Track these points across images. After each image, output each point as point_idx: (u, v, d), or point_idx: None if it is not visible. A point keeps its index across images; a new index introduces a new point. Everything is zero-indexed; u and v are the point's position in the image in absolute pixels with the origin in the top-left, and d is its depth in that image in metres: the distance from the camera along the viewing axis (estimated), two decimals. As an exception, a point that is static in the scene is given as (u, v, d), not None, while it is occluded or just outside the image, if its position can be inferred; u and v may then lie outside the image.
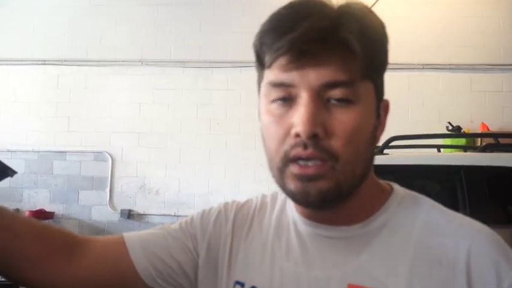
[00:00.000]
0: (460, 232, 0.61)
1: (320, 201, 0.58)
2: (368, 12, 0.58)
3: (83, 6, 5.25)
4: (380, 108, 0.62)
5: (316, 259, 0.64)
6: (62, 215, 5.05)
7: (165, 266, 0.69)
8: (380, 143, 3.26)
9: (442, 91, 4.81)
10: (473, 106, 4.76)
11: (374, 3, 4.87)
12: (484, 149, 3.15)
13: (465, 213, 2.62)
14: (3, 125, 5.18)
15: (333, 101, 0.56)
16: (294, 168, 0.57)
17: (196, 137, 4.94)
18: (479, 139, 4.28)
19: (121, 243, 0.70)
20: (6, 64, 5.23)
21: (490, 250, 0.59)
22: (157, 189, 4.98)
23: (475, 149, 3.60)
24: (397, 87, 4.83)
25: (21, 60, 5.21)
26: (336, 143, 0.56)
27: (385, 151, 3.27)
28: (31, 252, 0.65)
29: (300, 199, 0.59)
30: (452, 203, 3.03)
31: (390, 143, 3.25)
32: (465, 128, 4.59)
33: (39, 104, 5.18)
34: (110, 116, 5.08)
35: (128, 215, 4.94)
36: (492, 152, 3.17)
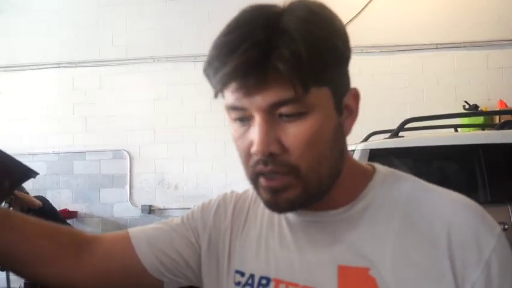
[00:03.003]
0: (441, 206, 0.62)
1: (290, 208, 0.62)
2: (310, 16, 0.57)
3: (92, 7, 5.30)
4: (343, 102, 0.62)
5: (307, 244, 0.66)
6: (85, 213, 5.16)
7: (170, 260, 0.72)
8: (395, 126, 3.24)
9: (457, 70, 4.73)
10: (489, 83, 4.67)
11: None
12: (502, 126, 3.10)
13: (484, 192, 2.61)
14: (23, 129, 5.29)
15: (284, 117, 0.58)
16: (262, 181, 0.61)
17: (211, 130, 4.97)
18: (497, 117, 4.20)
19: (127, 239, 0.73)
20: (23, 69, 5.33)
21: (469, 221, 0.60)
22: (175, 184, 5.04)
23: (493, 126, 3.55)
24: (411, 69, 4.77)
25: (37, 65, 5.31)
26: (293, 157, 0.58)
27: (401, 133, 3.24)
28: (41, 252, 0.68)
29: (272, 208, 0.62)
30: (471, 182, 3.01)
31: (405, 125, 3.22)
32: (482, 106, 4.51)
33: (57, 107, 5.27)
34: (125, 114, 5.15)
35: (149, 210, 5.02)
36: (511, 129, 3.11)
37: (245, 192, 0.79)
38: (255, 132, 0.58)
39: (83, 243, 0.71)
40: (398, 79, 4.74)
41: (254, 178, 0.62)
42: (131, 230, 0.75)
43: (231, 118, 0.62)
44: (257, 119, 0.58)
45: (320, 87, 0.58)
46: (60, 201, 5.08)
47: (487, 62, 4.71)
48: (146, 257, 0.71)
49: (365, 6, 4.76)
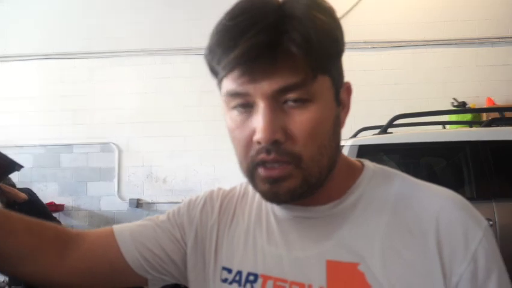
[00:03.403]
0: (429, 201, 0.63)
1: (289, 199, 0.60)
2: (313, 7, 0.57)
3: (82, -2, 5.23)
4: (341, 93, 0.63)
5: (296, 240, 0.66)
6: (72, 207, 5.12)
7: (154, 256, 0.71)
8: (384, 122, 3.26)
9: (447, 67, 4.77)
10: (478, 81, 4.71)
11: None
12: (490, 123, 3.13)
13: (470, 188, 2.64)
14: (10, 121, 5.22)
15: (290, 103, 0.57)
16: (261, 171, 0.59)
17: (200, 124, 4.95)
18: (484, 114, 4.25)
19: (111, 235, 0.72)
20: (11, 60, 5.26)
21: (457, 214, 0.61)
22: (164, 178, 5.02)
23: (480, 124, 3.58)
24: (402, 65, 4.80)
25: (25, 56, 5.23)
26: (297, 145, 0.57)
27: (390, 130, 3.26)
28: (25, 248, 0.67)
29: (271, 199, 0.61)
30: (457, 179, 3.03)
31: (394, 121, 3.23)
32: (471, 104, 4.56)
33: (44, 99, 5.21)
34: (114, 107, 5.10)
35: (137, 204, 4.99)
36: (498, 126, 3.15)
37: (232, 189, 0.79)
38: (258, 120, 0.57)
39: (67, 240, 0.70)
40: (388, 75, 4.76)
41: (251, 169, 0.60)
42: (116, 227, 0.74)
43: (229, 106, 0.61)
44: (261, 105, 0.57)
45: (324, 75, 0.58)
46: (46, 194, 5.03)
47: (476, 59, 4.75)
48: (130, 253, 0.71)
49: (358, 2, 4.76)
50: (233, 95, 0.59)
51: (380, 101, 4.66)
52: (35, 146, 5.16)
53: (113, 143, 5.10)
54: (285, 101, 0.57)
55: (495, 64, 4.72)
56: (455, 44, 4.75)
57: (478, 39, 4.73)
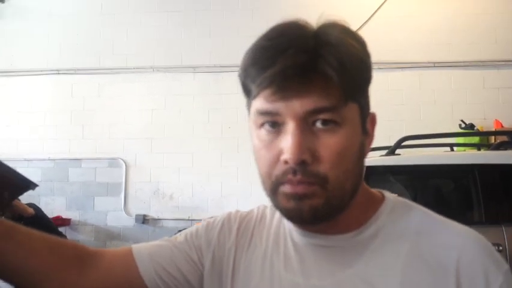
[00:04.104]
0: (451, 239, 0.62)
1: (312, 218, 0.60)
2: (347, 36, 0.59)
3: (94, 15, 5.33)
4: (367, 123, 0.64)
5: (313, 268, 0.66)
6: (79, 221, 5.13)
7: (171, 277, 0.71)
8: (392, 143, 3.27)
9: (454, 89, 4.78)
10: (486, 103, 4.71)
11: (382, 4, 4.87)
12: (498, 146, 3.12)
13: (479, 212, 2.62)
14: (19, 134, 5.27)
15: (318, 125, 0.58)
16: (285, 188, 0.60)
17: (208, 141, 4.98)
18: (493, 137, 4.24)
19: (129, 255, 0.73)
20: (22, 75, 5.34)
21: (479, 256, 0.61)
22: (170, 194, 5.03)
23: (488, 146, 3.57)
24: (409, 86, 4.81)
25: (36, 71, 5.31)
26: (324, 167, 0.58)
27: (397, 151, 3.26)
28: (46, 268, 0.68)
29: (293, 217, 0.62)
30: (466, 202, 3.02)
31: (402, 143, 3.23)
32: (478, 126, 4.55)
33: (54, 113, 5.26)
34: (123, 122, 5.15)
35: (143, 220, 4.99)
36: (506, 149, 3.14)
37: (250, 212, 0.79)
38: (287, 139, 0.58)
39: (86, 258, 0.71)
40: (395, 96, 4.78)
41: (274, 188, 0.61)
42: (135, 246, 0.75)
43: (257, 125, 0.62)
44: (291, 125, 0.58)
45: (354, 102, 0.60)
46: (53, 208, 5.05)
47: (483, 81, 4.76)
48: (147, 273, 0.71)
49: (364, 23, 4.81)
50: (263, 113, 0.60)
51: (387, 121, 4.66)
52: (44, 159, 5.20)
53: (121, 159, 5.13)
54: (314, 123, 0.58)
55: (502, 87, 4.72)
56: (462, 66, 4.77)
57: (484, 61, 4.74)
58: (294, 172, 0.58)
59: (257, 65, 0.58)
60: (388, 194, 0.70)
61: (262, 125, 0.61)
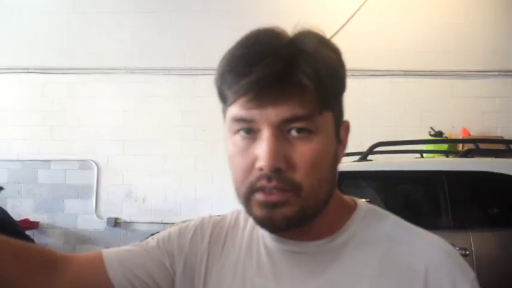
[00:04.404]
0: (420, 248, 0.64)
1: (284, 226, 0.61)
2: (322, 45, 0.61)
3: (67, 14, 5.23)
4: (341, 131, 0.66)
5: (285, 274, 0.66)
6: (48, 224, 5.00)
7: (142, 283, 0.70)
8: (364, 149, 3.32)
9: (424, 97, 4.90)
10: (454, 111, 4.85)
11: (355, 12, 4.95)
12: (465, 154, 3.22)
13: (447, 217, 2.68)
14: (-14, 134, 5.12)
15: (293, 133, 0.59)
16: (259, 196, 0.60)
17: (181, 144, 4.94)
18: (461, 144, 4.37)
19: (99, 260, 0.71)
20: (-11, 72, 5.19)
21: (446, 264, 0.62)
22: (143, 197, 4.97)
23: (456, 153, 3.68)
24: (380, 93, 4.91)
25: (5, 69, 5.17)
26: (299, 175, 0.59)
27: (369, 157, 3.32)
28: (12, 275, 0.66)
29: (266, 225, 0.62)
30: (434, 207, 3.09)
31: (374, 148, 3.30)
32: (447, 133, 4.68)
33: (24, 113, 5.13)
34: (95, 124, 5.06)
35: (115, 223, 4.91)
36: (473, 157, 3.24)
37: (223, 217, 0.78)
38: (262, 147, 0.58)
39: (53, 263, 0.70)
40: (367, 103, 4.86)
41: (248, 195, 0.61)
42: (105, 252, 0.73)
43: (232, 131, 0.62)
44: (266, 133, 0.58)
45: (328, 111, 0.61)
46: (21, 210, 4.92)
47: (451, 90, 4.90)
48: (118, 279, 0.70)
49: (338, 31, 4.88)
50: (239, 120, 0.60)
51: (359, 127, 4.74)
52: (11, 160, 5.06)
53: (93, 160, 5.04)
54: (289, 131, 0.59)
55: (470, 96, 4.87)
56: (431, 75, 4.90)
57: (452, 71, 4.88)
58: (269, 178, 0.58)
59: (234, 72, 0.58)
60: (360, 202, 0.71)
61: (237, 131, 0.61)
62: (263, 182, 0.59)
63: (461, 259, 0.65)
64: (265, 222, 0.61)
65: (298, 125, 0.58)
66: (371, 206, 0.71)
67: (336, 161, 0.65)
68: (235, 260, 0.71)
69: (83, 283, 0.70)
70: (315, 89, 0.57)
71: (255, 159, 0.59)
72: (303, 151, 0.58)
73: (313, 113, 0.58)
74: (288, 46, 0.58)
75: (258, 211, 0.61)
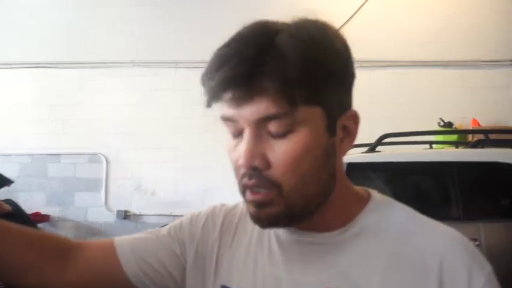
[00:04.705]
0: (435, 239, 0.63)
1: (271, 225, 0.62)
2: (309, 34, 0.59)
3: (75, 9, 5.24)
4: (338, 122, 0.63)
5: (296, 264, 0.66)
6: (58, 217, 5.06)
7: (154, 271, 0.72)
8: (373, 140, 3.31)
9: (433, 87, 4.85)
10: (464, 102, 4.80)
11: (364, 3, 4.91)
12: (475, 145, 3.20)
13: (457, 208, 2.67)
14: (-3, 128, 5.17)
15: (271, 132, 0.59)
16: (247, 194, 0.62)
17: (191, 137, 4.96)
18: (470, 135, 4.32)
19: (112, 248, 0.73)
20: (0, 68, 5.22)
21: (462, 257, 0.61)
22: (152, 190, 5.00)
23: (466, 144, 3.65)
24: (389, 84, 4.87)
25: (15, 64, 5.20)
26: (276, 174, 0.59)
27: (378, 148, 3.30)
28: (26, 262, 0.68)
29: (255, 222, 0.63)
30: (444, 199, 3.08)
31: (382, 140, 3.28)
32: (457, 124, 4.64)
33: (33, 107, 5.17)
34: (103, 117, 5.09)
35: (124, 215, 4.95)
36: (483, 147, 3.21)
37: (235, 206, 0.78)
38: (242, 145, 0.59)
39: (67, 251, 0.71)
40: (376, 94, 4.83)
41: (242, 191, 0.63)
42: (117, 239, 0.75)
43: (227, 129, 0.63)
44: (246, 131, 0.59)
45: (310, 106, 0.59)
46: (32, 204, 4.97)
47: (461, 81, 4.84)
48: (130, 267, 0.71)
49: (346, 22, 4.85)
50: (224, 119, 0.61)
51: (368, 119, 4.68)
52: (22, 155, 5.11)
53: (102, 154, 5.07)
54: (269, 129, 0.59)
55: (480, 86, 4.82)
56: (441, 65, 4.84)
57: (463, 61, 4.83)
58: (250, 176, 0.60)
59: (209, 74, 0.59)
60: (374, 193, 0.70)
61: (228, 132, 0.63)
62: (245, 180, 0.61)
63: (477, 251, 0.63)
64: (254, 220, 0.63)
65: (273, 126, 0.58)
66: (385, 197, 0.70)
67: (331, 154, 0.63)
68: (246, 249, 0.71)
69: (96, 271, 0.72)
70: (278, 88, 0.56)
71: (239, 157, 0.60)
72: (281, 150, 0.59)
73: (287, 111, 0.57)
74: (260, 45, 0.57)
75: (250, 208, 0.62)
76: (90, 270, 0.71)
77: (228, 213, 0.77)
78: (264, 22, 0.61)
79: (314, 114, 0.60)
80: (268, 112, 0.57)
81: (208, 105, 0.61)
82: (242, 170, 0.61)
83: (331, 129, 0.62)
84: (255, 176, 0.59)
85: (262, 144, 0.59)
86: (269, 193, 0.60)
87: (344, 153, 0.65)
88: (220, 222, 0.75)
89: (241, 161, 0.59)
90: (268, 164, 0.59)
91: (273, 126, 0.58)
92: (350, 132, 0.65)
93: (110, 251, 0.72)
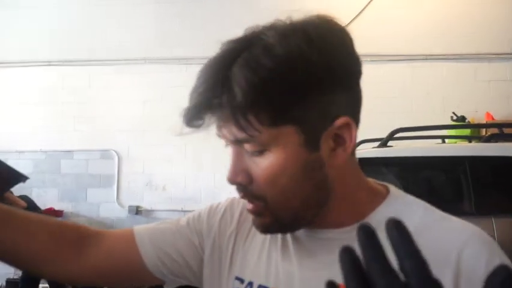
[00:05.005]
0: (453, 234, 0.61)
1: (266, 232, 0.67)
2: (281, 55, 0.56)
3: (85, 5, 5.27)
4: (320, 138, 0.61)
5: (308, 259, 0.66)
6: (71, 213, 5.12)
7: (172, 261, 0.73)
8: (384, 135, 3.28)
9: (446, 81, 4.80)
10: (477, 96, 4.74)
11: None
12: (489, 139, 3.15)
13: (469, 203, 2.64)
14: (11, 126, 5.23)
15: (249, 153, 0.61)
16: (246, 203, 0.66)
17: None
18: (484, 129, 4.27)
19: (131, 237, 0.75)
20: (13, 66, 5.28)
21: (480, 250, 0.59)
22: (163, 185, 5.03)
23: (479, 139, 3.60)
24: (401, 79, 4.83)
25: (27, 62, 5.26)
26: (258, 188, 0.62)
27: (389, 143, 3.28)
28: (45, 251, 0.70)
29: (255, 228, 0.67)
30: (456, 194, 3.05)
31: (394, 135, 3.25)
32: (470, 118, 4.58)
33: (46, 105, 5.22)
34: (115, 114, 5.12)
35: (136, 211, 4.99)
36: (497, 142, 3.17)
37: None
38: (230, 161, 0.63)
39: (87, 239, 0.73)
40: (387, 88, 4.79)
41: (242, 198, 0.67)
42: (136, 228, 0.76)
43: None
44: (230, 148, 0.63)
45: (278, 127, 0.58)
46: (46, 200, 5.04)
47: (475, 74, 4.78)
48: (149, 257, 0.73)
49: (356, 16, 4.81)
50: (218, 136, 0.64)
51: (380, 114, 4.68)
52: (35, 151, 5.17)
53: (114, 150, 5.11)
54: None
55: (493, 79, 4.75)
56: (454, 58, 4.79)
57: (476, 54, 4.76)
58: (238, 190, 0.64)
59: (189, 95, 0.61)
60: (393, 189, 0.69)
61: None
62: (238, 192, 0.65)
63: (495, 245, 0.61)
64: (254, 226, 0.67)
65: (247, 147, 0.60)
66: (403, 192, 0.69)
67: (315, 167, 0.61)
68: (261, 242, 0.72)
69: (115, 259, 0.74)
70: (237, 116, 0.57)
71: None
72: (259, 167, 0.61)
73: (252, 135, 0.58)
74: (218, 75, 0.58)
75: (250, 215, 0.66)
76: (109, 259, 0.73)
77: (246, 206, 0.78)
78: (235, 44, 0.60)
79: (284, 133, 0.59)
80: (237, 136, 0.59)
81: (190, 125, 0.63)
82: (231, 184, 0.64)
83: (311, 144, 0.60)
84: (242, 190, 0.63)
85: (245, 160, 0.62)
86: (257, 205, 0.63)
87: (340, 161, 0.63)
88: (238, 215, 0.76)
89: (227, 175, 0.63)
90: (251, 179, 0.62)
91: (247, 147, 0.60)
92: (344, 140, 0.62)
93: (129, 240, 0.74)
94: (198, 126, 0.61)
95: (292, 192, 0.62)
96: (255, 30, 0.61)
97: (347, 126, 0.62)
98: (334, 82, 0.59)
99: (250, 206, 0.64)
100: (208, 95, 0.58)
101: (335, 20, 0.62)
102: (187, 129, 0.63)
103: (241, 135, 0.59)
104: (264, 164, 0.60)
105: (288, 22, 0.60)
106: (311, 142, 0.60)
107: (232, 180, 0.62)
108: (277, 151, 0.60)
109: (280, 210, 0.62)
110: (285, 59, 0.56)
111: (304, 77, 0.57)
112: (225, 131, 0.61)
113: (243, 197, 0.64)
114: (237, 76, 0.56)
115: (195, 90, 0.60)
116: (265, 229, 0.65)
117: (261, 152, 0.60)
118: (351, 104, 0.63)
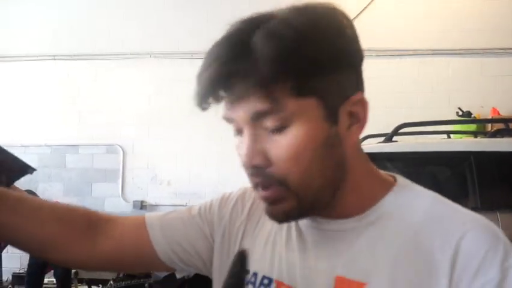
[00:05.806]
0: (458, 222, 0.60)
1: (285, 220, 0.63)
2: (298, 27, 0.56)
3: (91, 0, 5.28)
4: (341, 110, 0.60)
5: (311, 250, 0.66)
6: (76, 207, 5.14)
7: (183, 250, 0.74)
8: (389, 130, 3.27)
9: (452, 76, 4.77)
10: (483, 91, 4.72)
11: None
12: (495, 134, 3.14)
13: (475, 198, 2.63)
14: (16, 120, 5.26)
15: (267, 127, 0.58)
16: (259, 192, 0.61)
17: (205, 128, 4.97)
18: (489, 124, 4.25)
19: (142, 225, 0.75)
20: (17, 60, 5.30)
21: (481, 237, 0.58)
22: (168, 180, 5.04)
23: (485, 134, 3.59)
24: (407, 74, 4.81)
25: (32, 56, 5.27)
26: (278, 170, 0.58)
27: (395, 138, 3.27)
28: (55, 238, 0.71)
29: (270, 218, 0.63)
30: (462, 189, 3.04)
31: (399, 130, 3.24)
32: (475, 113, 4.56)
33: (51, 99, 5.24)
34: (120, 108, 5.13)
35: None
36: (502, 137, 3.15)
37: None
38: (242, 145, 0.59)
39: (98, 226, 0.74)
40: (393, 83, 4.77)
41: (255, 188, 0.62)
42: (148, 216, 0.76)
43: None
44: (244, 130, 0.59)
45: (301, 98, 0.57)
46: (51, 194, 5.07)
47: (481, 69, 4.75)
48: (160, 245, 0.73)
49: (362, 11, 4.78)
50: (225, 119, 0.61)
51: (385, 108, 4.66)
52: (40, 146, 5.19)
53: (118, 145, 5.13)
54: (265, 126, 0.58)
55: (499, 75, 4.72)
56: (460, 53, 4.76)
57: (483, 49, 4.73)
58: (255, 175, 0.60)
59: (198, 74, 0.59)
60: (401, 179, 0.68)
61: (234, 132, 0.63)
62: (252, 178, 0.61)
63: (501, 235, 0.59)
64: (269, 216, 0.63)
65: (268, 122, 0.57)
66: (411, 184, 0.68)
67: (336, 143, 0.61)
68: (268, 233, 0.72)
69: (126, 246, 0.74)
70: (261, 86, 0.55)
71: (241, 156, 0.61)
72: (280, 145, 0.58)
73: (275, 106, 0.56)
74: (235, 47, 0.57)
75: (263, 204, 0.63)
76: (120, 246, 0.73)
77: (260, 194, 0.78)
78: (249, 19, 0.60)
79: (308, 105, 0.58)
80: (257, 109, 0.56)
81: (202, 108, 0.60)
82: (247, 169, 0.61)
83: (331, 118, 0.60)
84: (260, 173, 0.59)
85: (262, 141, 0.58)
86: (278, 189, 0.59)
87: (354, 140, 0.63)
88: (249, 206, 0.76)
89: (242, 160, 0.59)
90: (269, 161, 0.58)
91: (268, 122, 0.57)
92: (358, 117, 0.62)
93: (140, 228, 0.74)
94: (215, 103, 0.58)
95: (317, 169, 0.59)
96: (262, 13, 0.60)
97: (361, 102, 0.62)
98: (349, 59, 0.60)
99: (266, 192, 0.60)
100: (228, 67, 0.56)
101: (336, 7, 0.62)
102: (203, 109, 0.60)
103: (264, 106, 0.56)
104: (285, 141, 0.57)
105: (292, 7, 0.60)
106: (331, 116, 0.60)
107: (248, 164, 0.58)
108: (300, 125, 0.57)
109: (304, 191, 0.59)
110: (305, 31, 0.57)
111: (324, 50, 0.57)
112: (239, 110, 0.58)
113: (260, 182, 0.60)
114: (259, 45, 0.55)
115: (207, 66, 0.57)
116: (285, 215, 0.61)
117: (281, 129, 0.57)
118: (361, 83, 0.63)
